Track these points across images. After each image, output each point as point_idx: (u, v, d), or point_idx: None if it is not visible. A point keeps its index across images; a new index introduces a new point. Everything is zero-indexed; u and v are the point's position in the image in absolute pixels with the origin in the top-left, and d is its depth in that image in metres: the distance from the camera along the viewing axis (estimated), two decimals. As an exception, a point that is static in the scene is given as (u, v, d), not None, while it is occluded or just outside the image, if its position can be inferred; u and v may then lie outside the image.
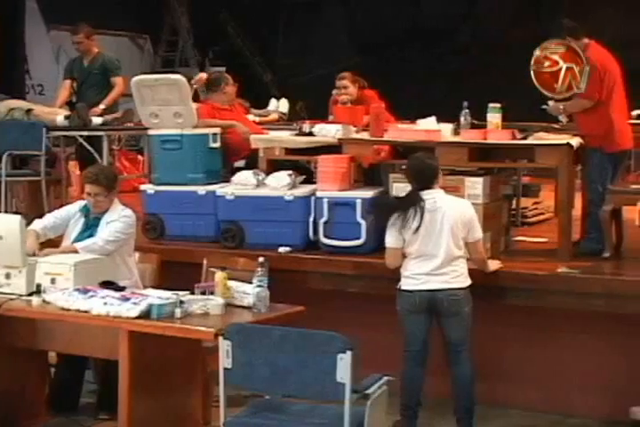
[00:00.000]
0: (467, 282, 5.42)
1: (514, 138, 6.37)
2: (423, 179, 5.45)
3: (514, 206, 7.68)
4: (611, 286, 5.78)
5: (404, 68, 13.90)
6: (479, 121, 6.63)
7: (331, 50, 14.92)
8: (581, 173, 6.90)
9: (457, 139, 6.53)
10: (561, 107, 6.51)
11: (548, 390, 6.18)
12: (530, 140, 6.38)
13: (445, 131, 6.62)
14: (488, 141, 6.36)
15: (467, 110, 6.56)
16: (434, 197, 5.40)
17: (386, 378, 4.40)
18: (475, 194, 6.00)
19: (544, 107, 6.58)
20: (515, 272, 5.96)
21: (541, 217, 8.23)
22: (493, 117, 6.50)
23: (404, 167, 5.80)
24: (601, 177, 6.42)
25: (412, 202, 5.39)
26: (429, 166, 5.50)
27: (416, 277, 5.38)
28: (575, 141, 6.31)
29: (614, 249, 6.41)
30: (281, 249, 6.48)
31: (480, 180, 6.09)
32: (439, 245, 5.34)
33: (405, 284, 5.43)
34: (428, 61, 14.04)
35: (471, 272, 5.48)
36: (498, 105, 6.52)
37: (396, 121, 7.36)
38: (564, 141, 6.26)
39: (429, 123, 6.84)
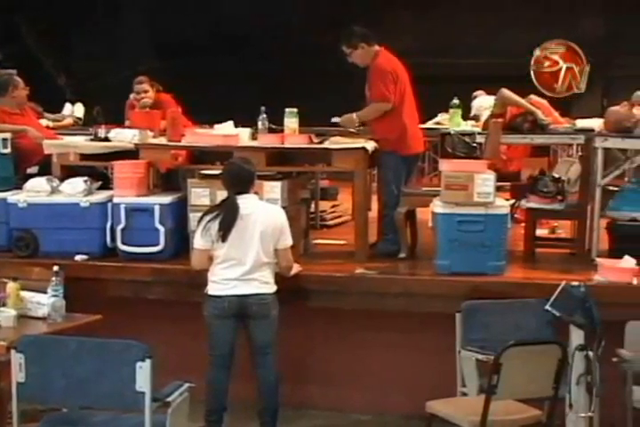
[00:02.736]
0: (274, 288, 5.46)
1: (311, 142, 6.47)
2: (239, 184, 5.45)
3: (313, 209, 7.79)
4: (407, 285, 5.96)
5: (203, 72, 13.85)
6: (278, 126, 6.68)
7: (129, 53, 14.69)
8: (377, 176, 7.07)
9: (254, 143, 6.56)
10: (355, 117, 6.64)
11: (352, 390, 6.30)
12: (326, 145, 6.49)
13: (243, 135, 6.64)
14: (285, 146, 6.43)
15: (264, 115, 6.61)
16: (247, 202, 5.41)
17: (187, 385, 4.38)
18: (273, 198, 6.03)
19: (334, 120, 6.71)
20: (314, 275, 6.05)
21: (340, 220, 8.38)
22: (290, 122, 6.57)
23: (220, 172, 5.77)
24: (395, 180, 6.60)
25: (225, 207, 5.38)
26: (247, 171, 5.50)
27: (224, 282, 5.37)
28: (370, 145, 6.46)
29: (410, 250, 6.62)
30: (77, 257, 6.33)
31: (278, 184, 6.14)
32: (248, 251, 5.34)
33: (213, 289, 5.40)
34: (228, 65, 14.05)
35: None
36: (294, 110, 6.60)
37: (193, 126, 7.34)
38: (360, 145, 6.40)
39: (227, 127, 6.86)
